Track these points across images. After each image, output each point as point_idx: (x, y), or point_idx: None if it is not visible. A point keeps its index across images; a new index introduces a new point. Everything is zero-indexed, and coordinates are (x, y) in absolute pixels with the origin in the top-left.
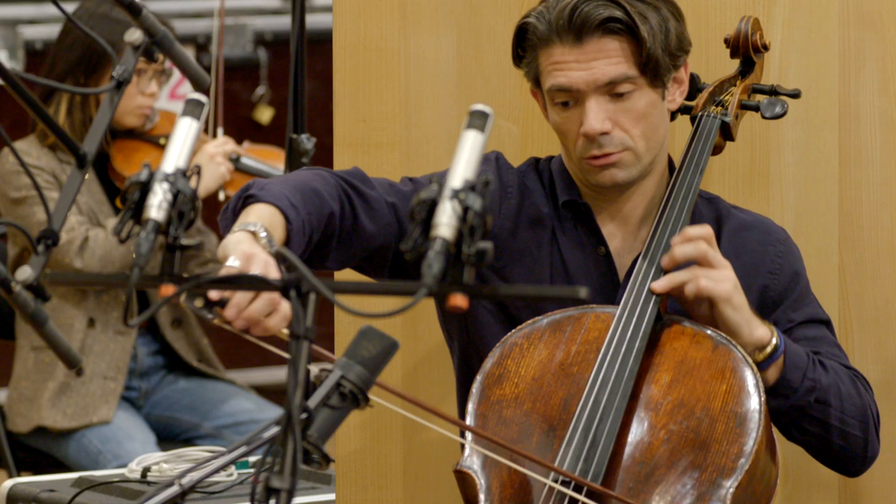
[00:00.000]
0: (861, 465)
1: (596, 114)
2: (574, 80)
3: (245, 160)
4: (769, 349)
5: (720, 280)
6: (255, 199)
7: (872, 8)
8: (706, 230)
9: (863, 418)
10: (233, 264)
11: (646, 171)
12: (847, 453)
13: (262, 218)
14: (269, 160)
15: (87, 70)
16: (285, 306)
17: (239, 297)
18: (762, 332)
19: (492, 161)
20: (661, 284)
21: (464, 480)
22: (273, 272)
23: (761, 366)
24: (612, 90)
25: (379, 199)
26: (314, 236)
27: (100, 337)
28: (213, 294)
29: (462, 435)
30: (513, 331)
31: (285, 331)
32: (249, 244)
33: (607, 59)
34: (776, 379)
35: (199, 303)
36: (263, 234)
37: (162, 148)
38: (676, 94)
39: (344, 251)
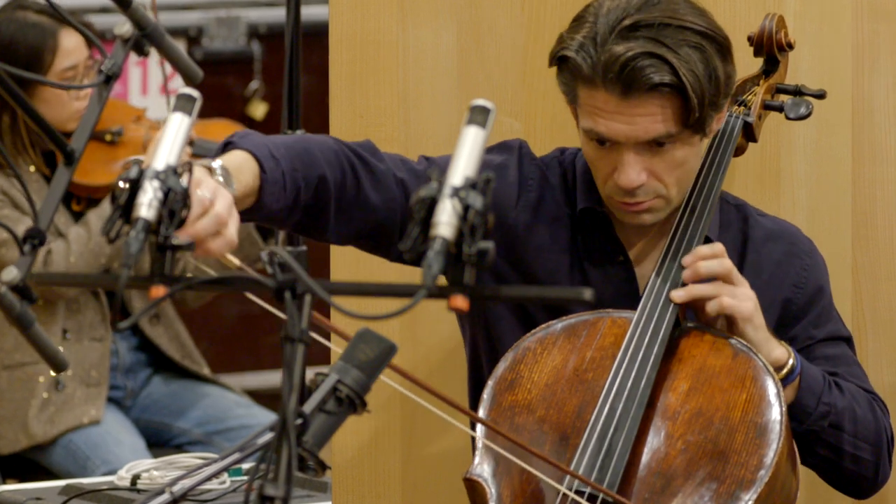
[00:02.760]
0: (870, 488)
1: (633, 168)
2: (615, 133)
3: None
4: (785, 370)
5: (743, 299)
6: (233, 147)
7: None
8: (719, 248)
9: (876, 443)
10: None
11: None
12: (857, 477)
13: (230, 162)
14: (216, 137)
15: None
16: (231, 231)
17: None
18: (779, 353)
19: (514, 149)
20: (682, 295)
21: (473, 489)
22: (225, 198)
23: None
24: (652, 143)
25: (387, 171)
26: (302, 196)
27: (75, 346)
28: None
29: (473, 428)
30: (526, 335)
31: (231, 258)
32: (201, 173)
33: (651, 116)
34: (791, 401)
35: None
36: (219, 170)
37: (108, 144)
38: (714, 125)
39: (345, 222)
